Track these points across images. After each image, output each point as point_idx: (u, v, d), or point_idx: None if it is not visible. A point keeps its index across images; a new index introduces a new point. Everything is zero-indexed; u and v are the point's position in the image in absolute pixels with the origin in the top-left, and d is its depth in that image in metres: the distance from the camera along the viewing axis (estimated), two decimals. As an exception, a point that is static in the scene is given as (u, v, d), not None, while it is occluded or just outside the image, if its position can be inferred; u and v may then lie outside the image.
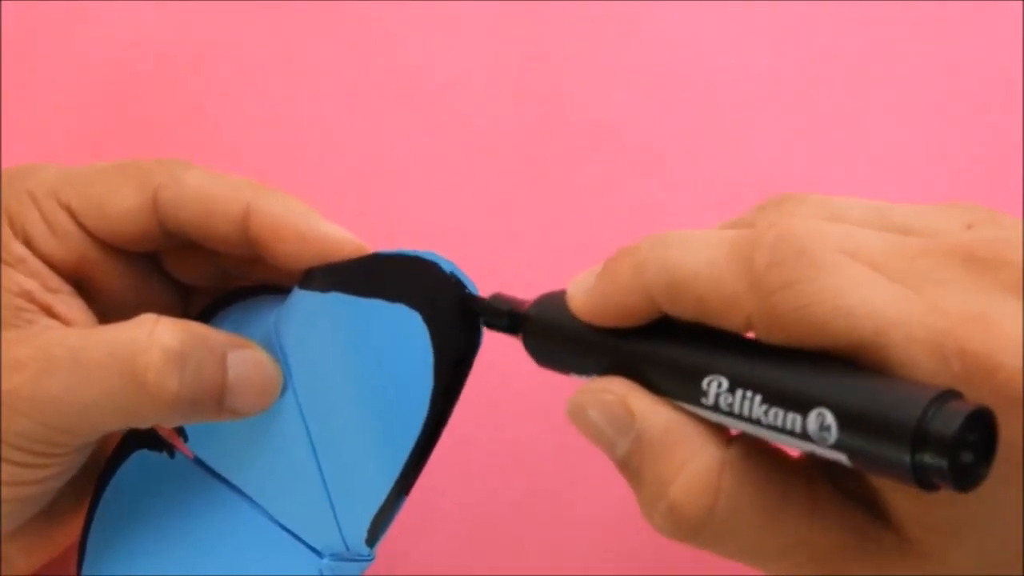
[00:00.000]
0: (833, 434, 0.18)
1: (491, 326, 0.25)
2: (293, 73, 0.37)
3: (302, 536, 0.27)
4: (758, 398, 0.19)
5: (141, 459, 0.29)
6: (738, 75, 0.36)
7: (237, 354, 0.26)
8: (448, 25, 0.37)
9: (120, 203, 0.27)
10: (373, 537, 0.26)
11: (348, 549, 0.27)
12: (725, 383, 0.19)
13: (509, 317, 0.24)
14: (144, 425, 0.27)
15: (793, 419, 0.18)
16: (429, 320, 0.25)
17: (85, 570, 0.29)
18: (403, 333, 0.25)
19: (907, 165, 0.36)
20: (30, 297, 0.26)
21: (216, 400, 0.26)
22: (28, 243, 0.27)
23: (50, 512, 0.29)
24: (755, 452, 0.20)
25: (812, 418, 0.18)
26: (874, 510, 0.20)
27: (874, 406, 0.17)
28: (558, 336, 0.23)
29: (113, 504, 0.29)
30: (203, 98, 0.36)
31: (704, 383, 0.20)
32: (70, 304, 0.27)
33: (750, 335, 0.20)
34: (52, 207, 0.27)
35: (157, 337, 0.25)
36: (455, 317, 0.25)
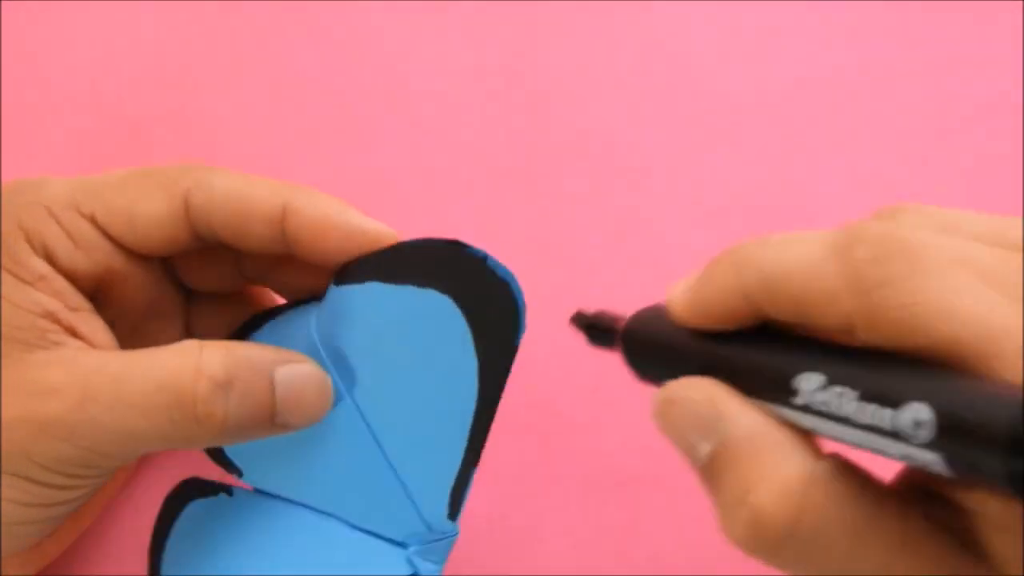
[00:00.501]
0: (927, 431, 0.17)
1: (593, 340, 0.25)
2: (281, 80, 0.37)
3: (382, 533, 0.28)
4: (851, 394, 0.18)
5: (197, 508, 0.29)
6: (727, 84, 0.36)
7: (284, 370, 0.26)
8: (434, 34, 0.37)
9: (149, 211, 0.27)
10: (454, 511, 0.27)
11: (432, 530, 0.27)
12: (817, 380, 0.19)
13: (607, 331, 0.24)
14: (192, 448, 0.27)
15: (886, 415, 0.17)
16: (459, 300, 0.26)
17: None
18: (438, 316, 0.26)
19: (899, 174, 0.36)
20: (54, 318, 0.26)
21: (267, 419, 0.26)
22: (50, 258, 0.26)
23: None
24: (845, 470, 0.19)
25: (907, 413, 0.17)
26: (969, 546, 0.18)
27: (972, 404, 0.16)
28: (657, 346, 0.23)
29: (178, 561, 0.29)
30: (196, 102, 0.36)
31: (795, 381, 0.19)
32: (91, 324, 0.27)
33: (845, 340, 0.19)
34: (73, 219, 0.27)
35: (204, 367, 0.25)
36: (484, 293, 0.26)
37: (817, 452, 0.19)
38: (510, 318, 0.26)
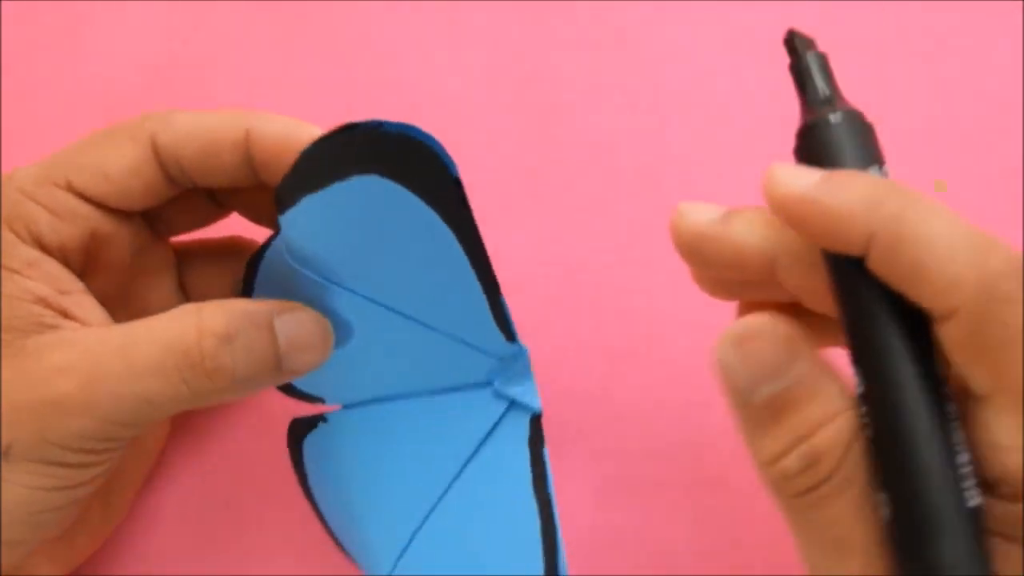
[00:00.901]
0: None
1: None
2: (289, 86, 0.36)
3: (463, 385, 0.29)
4: None
5: (312, 442, 0.31)
6: (736, 93, 0.36)
7: (283, 319, 0.26)
8: (445, 42, 0.37)
9: (121, 162, 0.27)
10: (509, 333, 0.28)
11: (502, 358, 0.29)
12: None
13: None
14: (204, 405, 0.27)
15: None
16: (382, 172, 0.25)
17: (340, 535, 0.31)
18: (376, 193, 0.26)
19: (908, 177, 0.36)
20: (46, 303, 0.26)
21: (274, 366, 0.26)
22: (37, 239, 0.26)
23: (78, 520, 0.29)
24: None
25: None
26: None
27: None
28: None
29: (324, 483, 0.31)
30: (199, 103, 0.36)
31: None
32: (84, 304, 0.27)
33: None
34: (49, 192, 0.27)
35: (206, 324, 0.25)
36: (396, 151, 0.25)
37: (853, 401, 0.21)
38: (431, 160, 0.26)
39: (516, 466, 0.28)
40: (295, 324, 0.26)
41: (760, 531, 0.33)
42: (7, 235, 0.26)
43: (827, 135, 0.22)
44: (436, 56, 0.37)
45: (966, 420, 0.21)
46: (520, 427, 0.29)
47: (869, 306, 0.21)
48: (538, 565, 0.28)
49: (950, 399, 0.21)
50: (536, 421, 0.29)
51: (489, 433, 0.29)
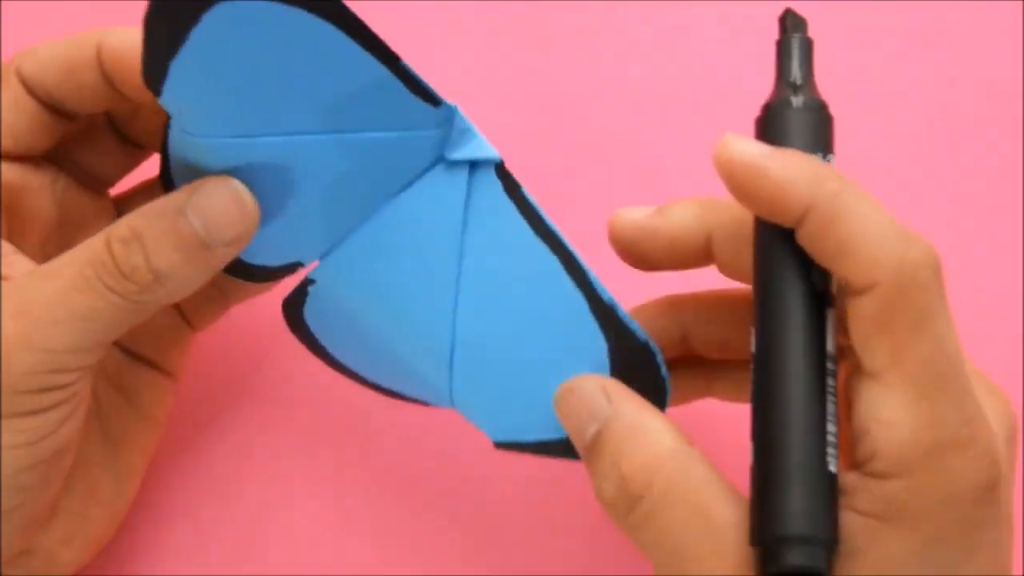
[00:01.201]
0: None
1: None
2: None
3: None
4: None
5: (312, 311, 0.30)
6: (738, 88, 0.36)
7: (192, 200, 0.26)
8: (445, 36, 0.37)
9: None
10: (432, 99, 0.27)
11: (438, 128, 0.27)
12: None
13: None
14: (154, 310, 0.27)
15: None
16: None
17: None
18: (241, 16, 0.24)
19: (904, 177, 0.36)
20: None
21: (199, 248, 0.26)
22: None
23: (88, 492, 0.29)
24: (703, 458, 0.24)
25: None
26: None
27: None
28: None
29: (344, 343, 0.31)
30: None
31: None
32: (14, 264, 0.27)
33: None
34: None
35: (111, 232, 0.25)
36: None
37: (684, 438, 0.24)
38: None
39: (508, 223, 0.28)
40: (206, 200, 0.26)
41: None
42: None
43: (786, 116, 0.24)
44: (435, 51, 0.37)
45: (852, 398, 0.23)
46: (490, 184, 0.27)
47: (783, 275, 0.23)
48: (578, 299, 0.27)
49: (832, 375, 0.23)
50: (502, 169, 0.27)
51: (467, 204, 0.28)
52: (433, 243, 0.28)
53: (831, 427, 0.23)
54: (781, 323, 0.23)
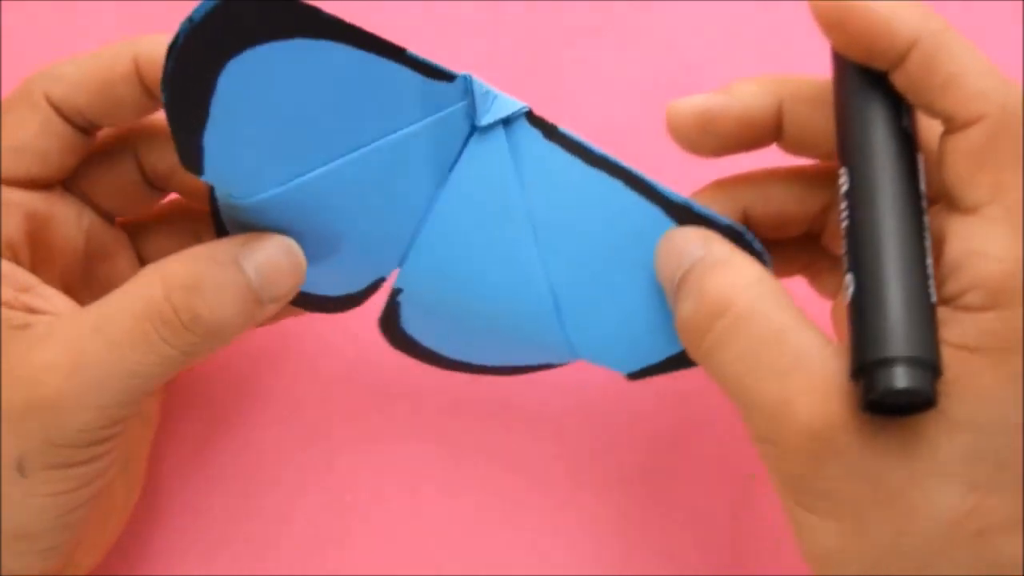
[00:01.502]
0: None
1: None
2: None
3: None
4: None
5: (409, 321, 0.31)
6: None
7: (245, 252, 0.26)
8: (448, 32, 0.37)
9: (28, 131, 0.27)
10: (445, 75, 0.27)
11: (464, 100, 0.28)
12: None
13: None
14: (201, 359, 0.26)
15: None
16: (242, 45, 0.24)
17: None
18: (251, 66, 0.25)
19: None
20: (8, 305, 0.25)
21: (254, 300, 0.26)
22: None
23: (107, 501, 0.29)
24: (786, 291, 0.24)
25: None
26: None
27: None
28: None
29: (448, 339, 0.31)
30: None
31: None
32: (45, 295, 0.26)
33: None
34: None
35: (169, 280, 0.25)
36: (245, 17, 0.24)
37: (769, 275, 0.25)
38: (255, 6, 0.24)
39: (559, 164, 0.28)
40: (259, 252, 0.26)
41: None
42: None
43: None
44: (437, 47, 0.37)
45: (943, 237, 0.23)
46: (528, 134, 0.28)
47: (874, 115, 0.24)
48: (652, 209, 0.27)
49: (926, 213, 0.23)
50: (533, 117, 0.28)
51: (514, 162, 0.28)
52: (497, 210, 0.28)
53: (929, 260, 0.23)
54: (875, 160, 0.23)
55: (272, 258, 0.26)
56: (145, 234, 0.31)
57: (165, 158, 0.29)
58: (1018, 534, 0.22)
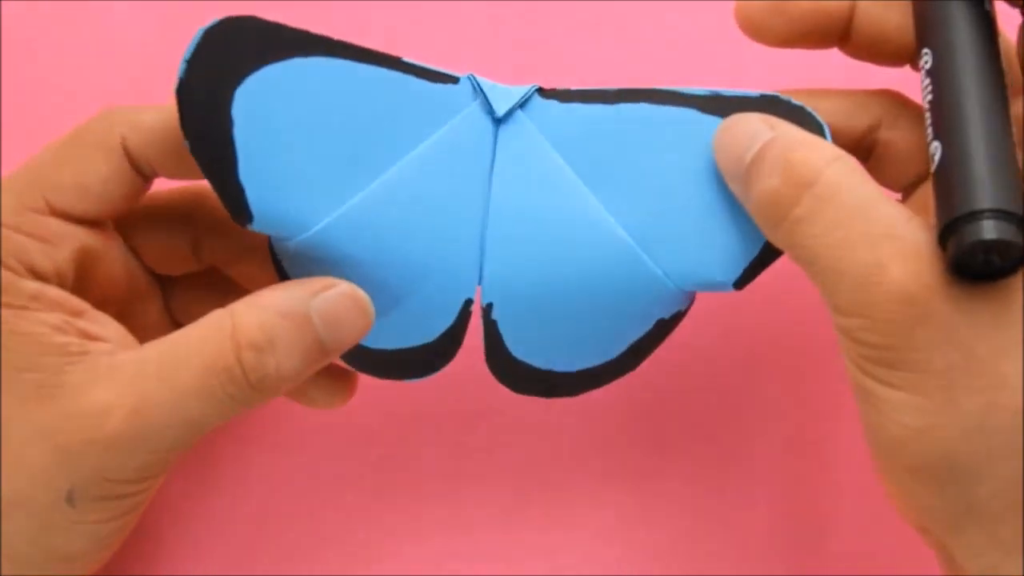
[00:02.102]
0: None
1: None
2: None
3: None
4: None
5: (513, 339, 0.30)
6: (737, 78, 0.36)
7: (318, 303, 0.25)
8: (443, 27, 0.37)
9: (98, 173, 0.26)
10: (448, 78, 0.28)
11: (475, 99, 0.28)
12: None
13: None
14: (262, 405, 0.26)
15: None
16: (247, 70, 0.26)
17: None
18: (259, 95, 0.26)
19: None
20: (64, 331, 0.25)
21: (319, 354, 0.26)
22: (32, 270, 0.26)
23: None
24: (864, 169, 0.24)
25: None
26: None
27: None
28: None
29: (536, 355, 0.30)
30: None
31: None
32: (99, 321, 0.26)
33: None
34: (31, 219, 0.26)
35: (242, 335, 0.25)
36: (244, 42, 0.26)
37: (842, 150, 0.24)
38: (252, 27, 0.26)
39: (587, 117, 0.28)
40: (330, 305, 0.26)
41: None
42: (5, 273, 0.25)
43: None
44: (433, 42, 0.37)
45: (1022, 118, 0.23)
46: (547, 107, 0.28)
47: None
48: (688, 113, 0.28)
49: (1005, 86, 0.23)
50: (543, 91, 0.28)
51: (547, 135, 0.28)
52: (548, 184, 0.28)
53: (1013, 128, 0.23)
54: (958, 36, 0.24)
55: (343, 309, 0.26)
56: (173, 284, 0.31)
57: (221, 248, 0.30)
58: None
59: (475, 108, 0.28)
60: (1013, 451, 0.21)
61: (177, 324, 0.30)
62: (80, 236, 0.27)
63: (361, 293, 0.26)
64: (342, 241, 0.27)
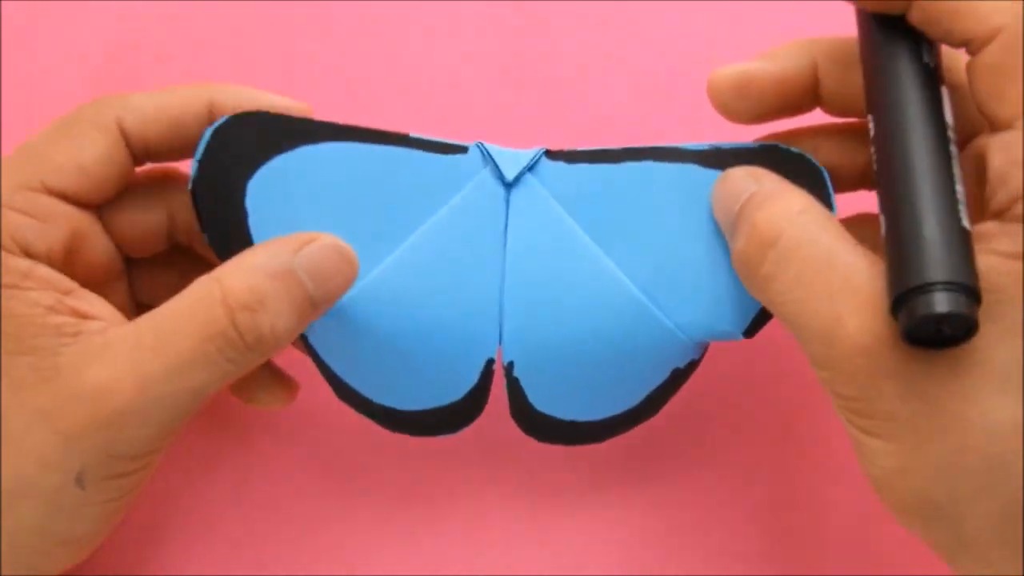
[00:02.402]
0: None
1: None
2: (289, 74, 0.37)
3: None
4: None
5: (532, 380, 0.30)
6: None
7: (302, 257, 0.26)
8: (444, 22, 0.37)
9: (94, 153, 0.27)
10: (457, 148, 0.29)
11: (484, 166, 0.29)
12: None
13: None
14: (257, 364, 0.26)
15: None
16: (265, 158, 0.27)
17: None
18: (282, 173, 0.27)
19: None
20: (56, 310, 0.25)
21: (310, 308, 0.26)
22: (25, 248, 0.26)
23: None
24: (834, 217, 0.25)
25: None
26: None
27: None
28: None
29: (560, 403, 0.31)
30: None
31: None
32: (87, 299, 0.26)
33: None
34: (27, 197, 0.26)
35: (231, 299, 0.25)
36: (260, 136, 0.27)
37: (817, 203, 0.25)
38: (265, 122, 0.27)
39: (592, 177, 0.29)
40: (316, 258, 0.26)
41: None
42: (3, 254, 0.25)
43: None
44: (434, 37, 0.37)
45: (984, 157, 0.23)
46: (555, 168, 0.29)
47: (897, 56, 0.24)
48: (688, 169, 0.28)
49: (954, 143, 0.23)
50: (550, 152, 0.29)
51: (556, 196, 0.29)
52: (561, 243, 0.29)
53: (959, 187, 0.23)
54: (901, 97, 0.24)
55: (324, 259, 0.26)
56: (136, 266, 0.31)
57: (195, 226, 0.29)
58: None
59: (485, 174, 0.29)
60: (989, 491, 0.22)
61: (141, 306, 0.30)
62: (71, 216, 0.27)
63: (343, 243, 0.26)
64: (366, 313, 0.28)
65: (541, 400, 0.30)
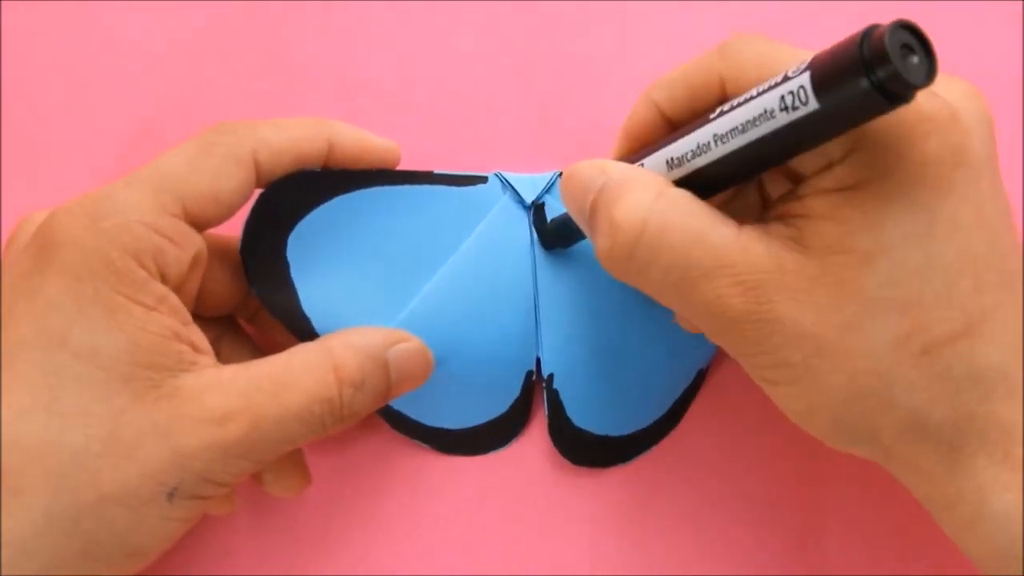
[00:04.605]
0: (810, 96, 0.21)
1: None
2: (291, 76, 0.37)
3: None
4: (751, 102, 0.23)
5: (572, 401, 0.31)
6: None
7: (394, 352, 0.28)
8: (443, 25, 0.37)
9: (231, 184, 0.27)
10: (477, 179, 0.31)
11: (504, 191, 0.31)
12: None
13: None
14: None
15: (775, 95, 0.22)
16: (307, 208, 0.29)
17: None
18: (319, 227, 0.29)
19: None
20: (179, 338, 0.26)
21: (385, 398, 0.28)
22: (163, 272, 0.26)
23: None
24: (690, 194, 0.24)
25: (790, 84, 0.22)
26: (800, 246, 0.23)
27: (831, 60, 0.21)
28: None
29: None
30: (205, 99, 0.36)
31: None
32: (198, 334, 0.27)
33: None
34: (169, 223, 0.27)
35: (343, 374, 0.27)
36: (304, 190, 0.29)
37: (669, 184, 0.25)
38: (305, 180, 0.29)
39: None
40: (404, 355, 0.28)
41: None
42: (139, 272, 0.26)
43: None
44: (435, 43, 0.37)
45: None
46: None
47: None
48: None
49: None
50: (560, 176, 0.29)
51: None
52: (589, 246, 0.29)
53: None
54: None
55: (411, 359, 0.28)
56: None
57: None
58: (967, 340, 0.23)
59: (506, 200, 0.30)
60: (890, 403, 0.23)
61: None
62: (198, 244, 0.28)
63: (429, 352, 0.29)
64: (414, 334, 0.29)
65: (578, 413, 0.31)
